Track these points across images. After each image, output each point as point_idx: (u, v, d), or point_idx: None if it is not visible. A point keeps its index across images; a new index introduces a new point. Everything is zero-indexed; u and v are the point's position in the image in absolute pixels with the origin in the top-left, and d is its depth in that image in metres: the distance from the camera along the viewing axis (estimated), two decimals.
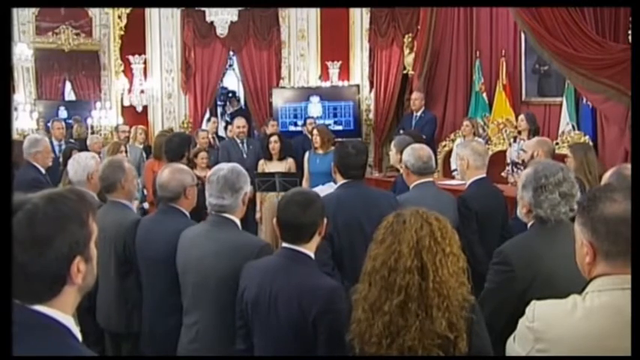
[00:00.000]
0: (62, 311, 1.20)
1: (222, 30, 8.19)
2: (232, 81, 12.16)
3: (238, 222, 2.56)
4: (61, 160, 6.04)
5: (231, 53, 9.63)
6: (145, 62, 8.98)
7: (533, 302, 1.55)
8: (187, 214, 2.88)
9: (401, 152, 3.68)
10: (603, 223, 1.45)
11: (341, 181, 3.10)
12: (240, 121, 6.89)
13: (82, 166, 3.46)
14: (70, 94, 9.21)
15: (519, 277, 2.14)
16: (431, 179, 3.42)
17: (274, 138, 6.20)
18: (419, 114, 7.64)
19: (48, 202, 1.18)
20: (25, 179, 4.25)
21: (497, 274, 2.20)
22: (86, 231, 1.22)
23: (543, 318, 1.50)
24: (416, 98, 7.69)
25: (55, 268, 1.17)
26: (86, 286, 1.24)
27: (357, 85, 9.26)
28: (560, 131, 6.74)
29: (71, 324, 1.21)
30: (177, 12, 9.07)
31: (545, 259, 2.15)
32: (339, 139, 5.75)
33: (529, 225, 2.32)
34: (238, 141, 6.75)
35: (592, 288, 1.48)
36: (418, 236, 1.68)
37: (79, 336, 1.22)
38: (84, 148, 6.13)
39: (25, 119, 7.70)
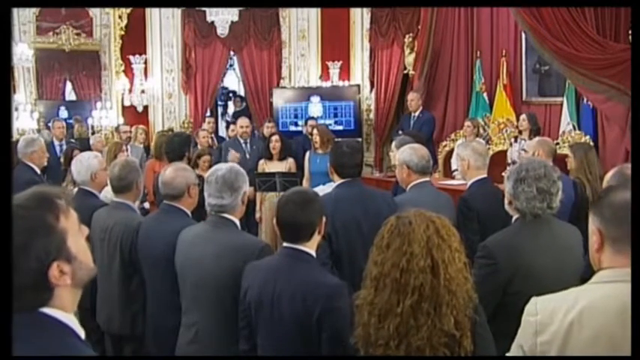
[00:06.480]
0: (62, 310, 1.19)
1: (222, 30, 8.20)
2: (233, 81, 12.17)
3: (238, 222, 2.55)
4: (62, 159, 6.04)
5: (231, 53, 9.62)
6: (145, 62, 8.98)
7: (534, 298, 1.58)
8: (189, 213, 2.87)
9: None
10: (609, 207, 1.49)
11: (338, 180, 3.09)
12: (243, 121, 6.88)
13: (85, 165, 3.44)
14: (70, 94, 9.19)
15: (502, 269, 2.24)
16: (428, 179, 3.40)
17: (275, 138, 6.19)
18: (417, 114, 7.55)
19: None
20: (22, 180, 4.18)
21: (481, 267, 2.27)
22: (56, 235, 1.16)
23: (546, 311, 1.52)
24: (412, 99, 7.61)
25: (32, 280, 1.13)
26: (80, 281, 1.21)
27: (358, 85, 9.26)
28: (560, 131, 6.72)
29: (73, 322, 1.21)
30: (177, 12, 9.07)
31: (527, 252, 2.24)
32: (339, 139, 5.74)
33: (513, 219, 2.41)
34: (242, 141, 6.74)
35: (596, 279, 1.51)
36: (427, 235, 1.69)
37: (82, 334, 1.22)
38: (85, 147, 6.10)
39: (25, 119, 7.68)
